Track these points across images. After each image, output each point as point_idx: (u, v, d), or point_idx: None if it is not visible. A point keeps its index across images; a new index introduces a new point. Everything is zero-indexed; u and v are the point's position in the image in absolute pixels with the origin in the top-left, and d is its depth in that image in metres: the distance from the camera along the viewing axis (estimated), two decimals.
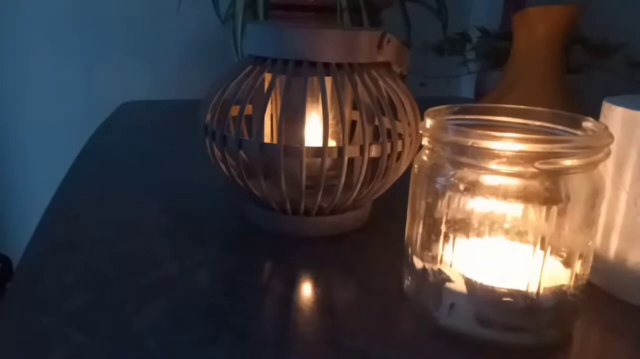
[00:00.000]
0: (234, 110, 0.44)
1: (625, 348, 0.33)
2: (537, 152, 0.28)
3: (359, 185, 0.43)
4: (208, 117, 0.44)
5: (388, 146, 0.42)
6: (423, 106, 0.40)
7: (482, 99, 0.60)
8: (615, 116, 0.36)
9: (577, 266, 0.31)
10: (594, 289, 0.38)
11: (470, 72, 0.77)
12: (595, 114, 0.38)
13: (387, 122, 0.42)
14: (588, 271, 0.32)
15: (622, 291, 0.37)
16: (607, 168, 0.37)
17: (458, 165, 0.31)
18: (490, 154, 0.29)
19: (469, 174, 0.30)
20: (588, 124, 0.32)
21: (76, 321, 0.33)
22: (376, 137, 0.43)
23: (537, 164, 0.28)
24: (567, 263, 0.31)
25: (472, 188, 0.30)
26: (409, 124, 0.44)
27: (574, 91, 0.59)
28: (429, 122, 0.32)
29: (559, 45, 0.54)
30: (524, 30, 0.54)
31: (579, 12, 0.53)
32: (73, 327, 0.32)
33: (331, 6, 0.67)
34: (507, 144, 0.29)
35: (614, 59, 0.63)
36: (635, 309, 0.36)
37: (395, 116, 0.43)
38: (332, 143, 0.45)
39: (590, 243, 0.32)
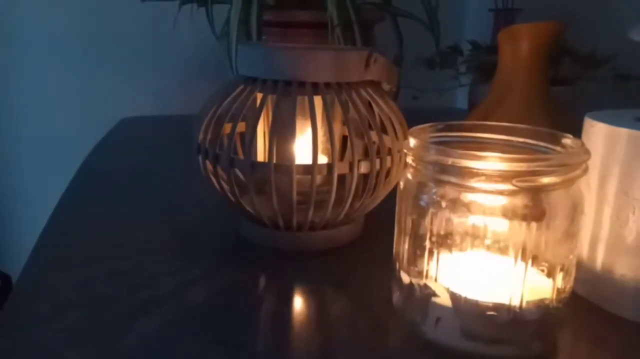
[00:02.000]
0: (227, 128, 0.45)
1: (609, 358, 0.34)
2: (515, 171, 0.29)
3: (349, 200, 0.44)
4: (201, 135, 0.45)
5: (377, 162, 0.43)
6: (418, 117, 0.41)
7: (470, 114, 0.61)
8: (596, 131, 0.37)
9: (559, 279, 0.32)
10: (580, 301, 0.39)
11: (463, 85, 0.78)
12: (580, 126, 0.39)
13: (376, 138, 0.43)
14: (571, 284, 0.33)
15: (608, 302, 0.38)
16: (591, 182, 0.38)
17: (440, 183, 0.32)
18: (470, 173, 0.30)
19: (450, 191, 0.31)
20: (567, 140, 0.33)
21: (70, 338, 0.34)
22: (366, 153, 0.44)
23: (514, 182, 0.29)
24: (549, 276, 0.32)
25: (454, 205, 0.31)
26: (397, 140, 0.44)
27: (563, 102, 0.60)
28: (412, 142, 0.33)
29: (544, 61, 0.55)
30: (509, 47, 0.55)
31: (564, 28, 0.54)
32: (67, 343, 0.33)
33: (325, 23, 0.68)
34: (487, 163, 0.30)
35: (602, 70, 0.64)
36: (621, 321, 0.37)
37: (384, 132, 0.44)
38: (323, 159, 0.46)
39: (571, 256, 0.32)
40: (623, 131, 0.35)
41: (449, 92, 0.84)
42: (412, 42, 0.76)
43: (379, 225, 0.51)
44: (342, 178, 0.44)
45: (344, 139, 0.49)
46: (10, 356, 0.32)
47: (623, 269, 0.37)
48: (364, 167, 0.43)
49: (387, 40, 0.75)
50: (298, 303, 0.40)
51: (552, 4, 0.83)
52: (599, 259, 0.38)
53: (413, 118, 0.45)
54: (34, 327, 0.35)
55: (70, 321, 0.36)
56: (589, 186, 0.38)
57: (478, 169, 0.30)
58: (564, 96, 0.62)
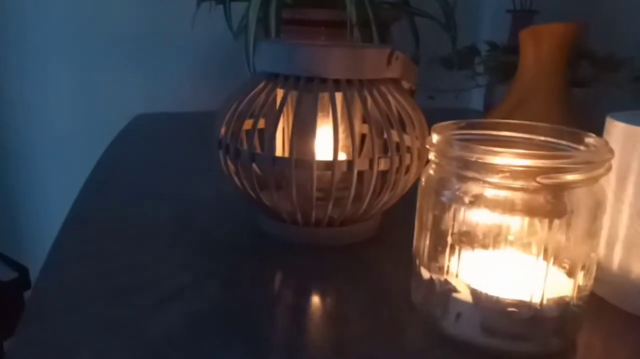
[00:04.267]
0: (247, 124, 0.45)
1: (627, 356, 0.34)
2: (539, 167, 0.30)
3: (368, 197, 0.44)
4: (222, 131, 0.46)
5: (396, 159, 0.43)
6: (434, 117, 0.41)
7: (491, 113, 0.61)
8: (617, 131, 0.37)
9: (580, 277, 0.32)
10: (598, 300, 0.39)
11: (480, 85, 0.78)
12: (601, 127, 0.39)
13: (395, 136, 0.44)
14: (591, 282, 0.33)
15: (625, 302, 0.38)
16: (611, 181, 0.38)
17: (463, 179, 0.32)
18: (494, 169, 0.30)
19: (473, 187, 0.32)
20: (590, 139, 0.33)
21: (94, 328, 0.34)
22: (385, 150, 0.44)
23: (539, 179, 0.29)
24: (570, 274, 0.32)
25: (477, 201, 0.31)
26: (417, 138, 0.45)
27: (581, 104, 0.60)
28: (435, 137, 0.33)
29: (564, 61, 0.55)
30: (531, 47, 0.55)
31: (583, 28, 0.54)
32: (91, 333, 0.34)
33: (341, 21, 0.69)
34: (510, 159, 0.30)
35: (620, 73, 0.64)
36: (638, 319, 0.37)
37: (404, 129, 0.45)
38: (342, 156, 0.46)
39: (592, 255, 0.32)
40: None
41: (464, 93, 0.85)
42: (428, 42, 0.76)
43: (396, 222, 0.51)
44: (361, 175, 0.44)
45: (363, 136, 0.50)
46: (35, 345, 0.33)
47: None
48: (383, 164, 0.43)
49: (404, 40, 0.75)
50: (316, 297, 0.40)
51: (569, 6, 0.83)
52: (616, 259, 0.38)
53: (429, 118, 0.45)
54: (58, 317, 0.35)
55: (94, 311, 0.36)
56: (608, 185, 0.38)
57: (502, 165, 0.30)
58: (581, 98, 0.62)
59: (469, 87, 0.78)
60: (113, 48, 1.09)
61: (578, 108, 0.58)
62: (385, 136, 0.44)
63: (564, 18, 0.56)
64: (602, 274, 0.39)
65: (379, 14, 0.67)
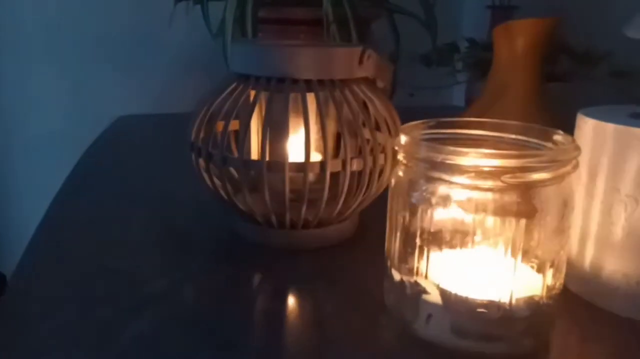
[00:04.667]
0: (219, 126, 0.45)
1: (602, 354, 0.34)
2: (505, 167, 0.29)
3: (342, 198, 0.44)
4: (193, 134, 0.45)
5: (370, 159, 0.43)
6: (413, 115, 0.41)
7: (465, 111, 0.61)
8: (587, 127, 0.37)
9: (549, 276, 0.32)
10: (571, 297, 0.39)
11: (459, 82, 0.78)
12: (574, 123, 0.39)
13: (369, 136, 0.43)
14: (561, 280, 0.33)
15: (599, 298, 0.38)
16: (582, 178, 0.38)
17: (431, 180, 0.32)
18: (461, 170, 0.30)
19: (441, 188, 0.31)
20: (558, 136, 0.33)
21: (63, 336, 0.34)
22: (359, 151, 0.43)
23: (504, 178, 0.29)
24: (539, 272, 0.32)
25: (444, 202, 0.31)
26: (391, 138, 0.44)
27: (559, 99, 0.60)
28: (403, 138, 0.33)
29: (539, 57, 0.55)
30: (504, 43, 0.55)
31: (559, 23, 0.54)
32: (60, 341, 0.33)
33: (321, 19, 0.68)
34: (476, 159, 0.30)
35: (599, 67, 0.64)
36: (611, 316, 0.37)
37: (378, 129, 0.44)
38: (317, 156, 0.46)
39: (561, 252, 0.32)
40: (610, 126, 0.35)
41: (446, 89, 0.84)
42: (408, 39, 0.76)
43: (372, 223, 0.51)
44: (335, 176, 0.44)
45: (338, 137, 0.49)
46: (4, 354, 0.32)
47: (613, 264, 0.37)
48: (356, 165, 0.43)
49: (384, 37, 0.75)
50: (291, 300, 0.40)
51: (548, 2, 0.83)
52: (589, 255, 0.38)
53: (409, 116, 0.45)
54: (28, 325, 0.35)
55: (64, 319, 0.36)
56: (580, 181, 0.38)
57: (468, 165, 0.30)
58: (560, 92, 0.62)
59: (449, 84, 0.78)
60: (95, 49, 1.08)
61: (556, 103, 0.58)
62: (358, 136, 0.43)
63: (543, 13, 0.56)
64: (575, 271, 0.39)
65: (357, 12, 0.67)
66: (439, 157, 0.30)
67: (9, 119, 1.11)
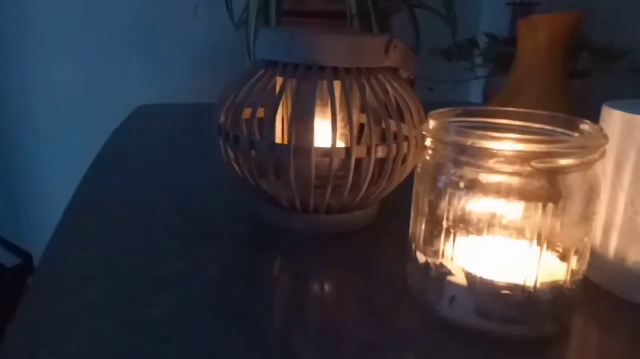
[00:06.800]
0: (247, 112, 0.46)
1: (621, 342, 0.35)
2: (534, 152, 0.30)
3: (366, 185, 0.45)
4: (222, 118, 0.46)
5: (394, 147, 0.44)
6: (432, 110, 0.41)
7: (488, 104, 0.61)
8: (613, 119, 0.38)
9: (574, 262, 0.32)
10: (593, 287, 0.39)
11: (478, 77, 0.78)
12: (598, 118, 0.40)
13: (393, 124, 0.44)
14: (584, 267, 0.34)
15: (621, 289, 0.38)
16: (607, 169, 0.38)
17: (459, 164, 0.32)
18: (489, 154, 0.31)
19: (469, 173, 0.32)
20: (585, 126, 0.34)
21: (94, 310, 0.35)
22: (383, 139, 0.44)
23: (533, 163, 0.30)
24: (564, 259, 0.32)
25: (472, 186, 0.32)
26: (414, 127, 0.45)
27: (580, 95, 0.60)
28: (432, 124, 0.34)
29: (562, 51, 0.55)
30: (528, 37, 0.56)
31: (582, 18, 0.54)
32: (91, 315, 0.34)
33: (341, 12, 0.69)
34: (505, 144, 0.30)
35: (619, 64, 0.65)
36: (633, 307, 0.37)
37: (402, 118, 0.45)
38: (341, 144, 0.46)
39: (585, 239, 0.33)
40: (639, 118, 0.36)
41: (463, 86, 0.85)
42: (428, 34, 0.77)
43: (393, 211, 0.51)
44: (359, 163, 0.45)
45: (362, 126, 0.50)
46: (37, 329, 0.33)
47: (636, 256, 0.37)
48: (381, 152, 0.44)
49: (404, 32, 0.76)
50: (314, 283, 0.41)
51: None
52: (612, 246, 0.39)
53: (427, 111, 0.45)
54: (59, 300, 0.36)
55: (94, 294, 0.37)
56: (604, 173, 0.38)
57: (497, 150, 0.30)
58: (581, 88, 0.62)
59: (468, 79, 0.79)
60: (114, 40, 1.10)
61: (578, 98, 0.58)
62: (383, 124, 0.44)
63: (564, 10, 0.56)
64: (598, 262, 0.39)
65: (379, 6, 0.67)
66: (468, 141, 0.31)
67: (34, 107, 1.13)
